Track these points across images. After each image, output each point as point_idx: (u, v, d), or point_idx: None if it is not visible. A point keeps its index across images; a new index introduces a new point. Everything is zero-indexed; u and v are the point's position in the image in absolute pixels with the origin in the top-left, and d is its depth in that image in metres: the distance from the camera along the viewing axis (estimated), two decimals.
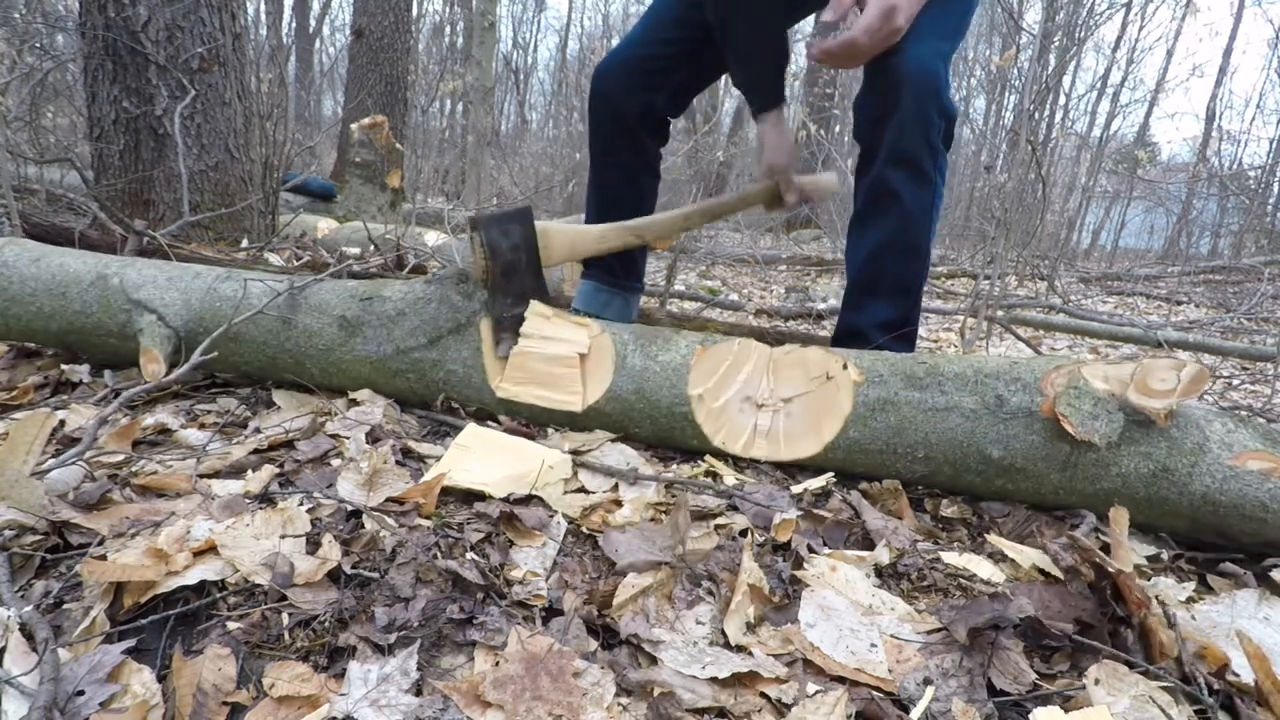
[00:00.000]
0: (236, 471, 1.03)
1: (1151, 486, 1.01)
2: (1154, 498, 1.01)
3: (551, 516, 0.96)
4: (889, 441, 1.11)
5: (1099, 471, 1.02)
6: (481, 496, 0.99)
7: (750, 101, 1.48)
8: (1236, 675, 0.75)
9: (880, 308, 1.39)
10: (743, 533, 0.97)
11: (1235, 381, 2.68)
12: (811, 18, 1.71)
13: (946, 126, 1.30)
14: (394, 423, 1.23)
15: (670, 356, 1.22)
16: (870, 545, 0.97)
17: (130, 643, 0.70)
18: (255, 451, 1.10)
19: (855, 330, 1.41)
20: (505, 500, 0.98)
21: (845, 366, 1.15)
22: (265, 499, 0.94)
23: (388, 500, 0.95)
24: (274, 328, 1.29)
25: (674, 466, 1.19)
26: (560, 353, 1.23)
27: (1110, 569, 0.78)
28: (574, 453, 1.15)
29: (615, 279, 1.70)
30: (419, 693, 0.66)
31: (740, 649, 0.76)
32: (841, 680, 0.72)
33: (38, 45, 4.62)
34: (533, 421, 1.26)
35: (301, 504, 0.92)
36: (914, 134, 1.25)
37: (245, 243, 2.76)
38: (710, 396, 1.19)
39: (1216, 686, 0.73)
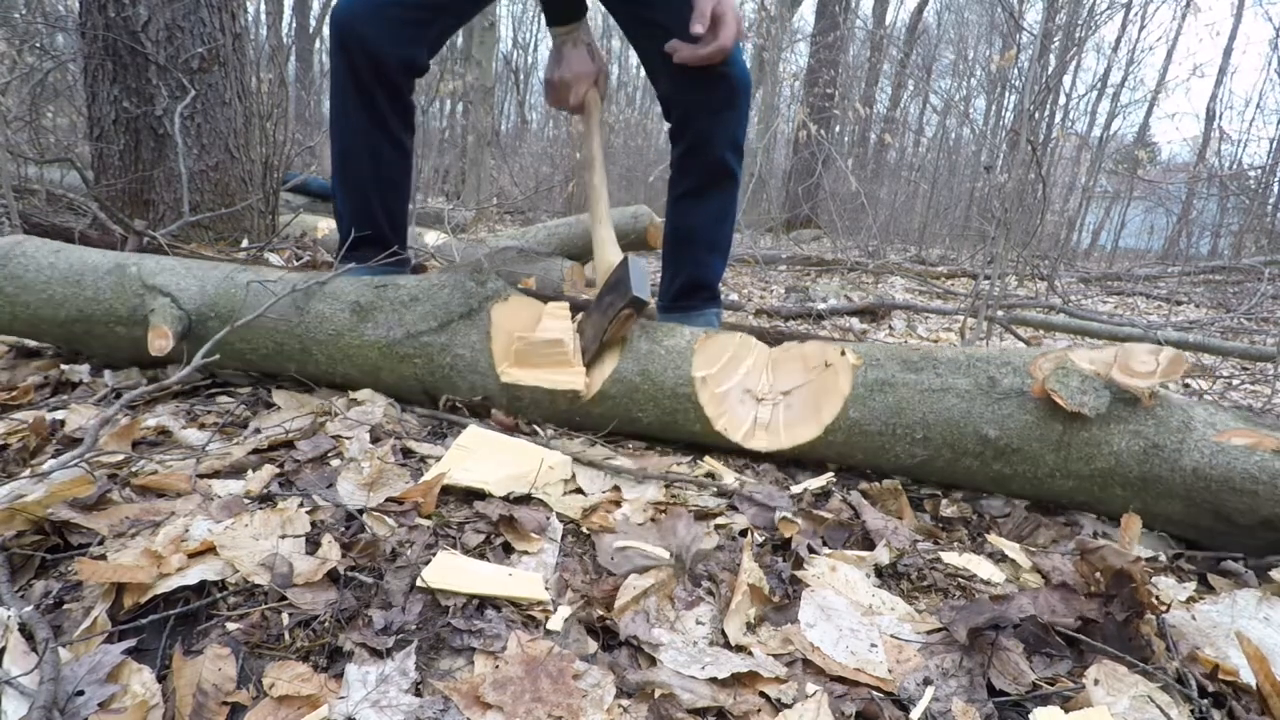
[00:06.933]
0: (236, 471, 1.03)
1: (1144, 464, 1.03)
2: (1147, 476, 1.03)
3: (550, 517, 0.96)
4: (888, 422, 1.13)
5: (1092, 451, 1.04)
6: (481, 495, 0.99)
7: (546, 14, 1.49)
8: (1235, 676, 0.75)
9: (719, 262, 1.73)
10: (743, 533, 0.97)
11: (1235, 381, 2.68)
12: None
13: None
14: (394, 422, 1.23)
15: (675, 341, 1.25)
16: (870, 545, 0.97)
17: (130, 643, 0.70)
18: (255, 451, 1.10)
19: (704, 283, 1.71)
20: (505, 499, 0.98)
21: (844, 353, 1.18)
22: (265, 499, 0.94)
23: (387, 500, 0.95)
24: (285, 313, 1.31)
25: (673, 466, 1.19)
26: (563, 335, 1.25)
27: (1136, 576, 0.78)
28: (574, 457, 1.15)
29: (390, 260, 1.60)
30: (419, 693, 0.66)
31: (740, 649, 0.76)
32: (842, 680, 0.72)
33: (38, 45, 4.62)
34: (536, 410, 1.27)
35: (301, 505, 0.92)
36: (743, 128, 1.59)
37: (245, 243, 2.76)
38: (714, 381, 1.21)
39: (1211, 688, 0.73)
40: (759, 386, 1.23)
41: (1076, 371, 1.04)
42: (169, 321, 1.29)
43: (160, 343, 1.27)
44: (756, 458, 1.22)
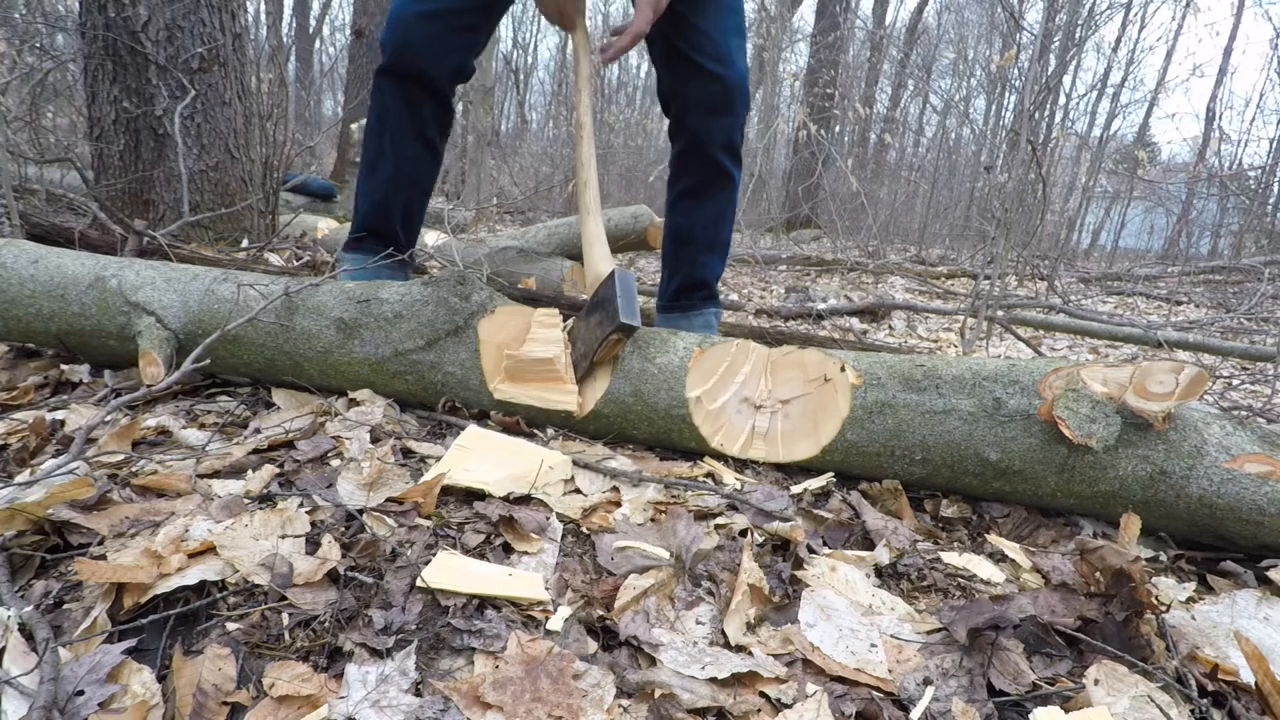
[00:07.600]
0: (236, 471, 1.03)
1: (1149, 489, 1.01)
2: (1151, 500, 1.01)
3: (550, 517, 0.96)
4: (886, 444, 1.11)
5: (1096, 474, 1.02)
6: (481, 495, 0.99)
7: None
8: (1235, 676, 0.75)
9: (717, 262, 1.73)
10: (743, 533, 0.97)
11: (1235, 381, 2.68)
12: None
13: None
14: (394, 423, 1.23)
15: (668, 359, 1.21)
16: (870, 545, 0.97)
17: (130, 643, 0.70)
18: (255, 451, 1.10)
19: (701, 282, 1.72)
20: (505, 499, 0.98)
21: (844, 369, 1.15)
22: (265, 499, 0.94)
23: (387, 500, 0.95)
24: (272, 330, 1.29)
25: (672, 469, 1.19)
26: (553, 354, 1.23)
27: (1136, 576, 0.78)
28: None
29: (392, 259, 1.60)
30: (419, 693, 0.66)
31: (740, 649, 0.76)
32: (842, 680, 0.72)
33: (38, 45, 4.62)
34: (530, 424, 1.26)
35: (301, 505, 0.92)
36: (739, 130, 1.60)
37: (245, 243, 2.76)
38: (708, 398, 1.19)
39: (1211, 688, 0.73)
40: (757, 393, 1.21)
41: (1087, 396, 1.00)
42: (157, 345, 1.27)
43: (152, 370, 1.26)
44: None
